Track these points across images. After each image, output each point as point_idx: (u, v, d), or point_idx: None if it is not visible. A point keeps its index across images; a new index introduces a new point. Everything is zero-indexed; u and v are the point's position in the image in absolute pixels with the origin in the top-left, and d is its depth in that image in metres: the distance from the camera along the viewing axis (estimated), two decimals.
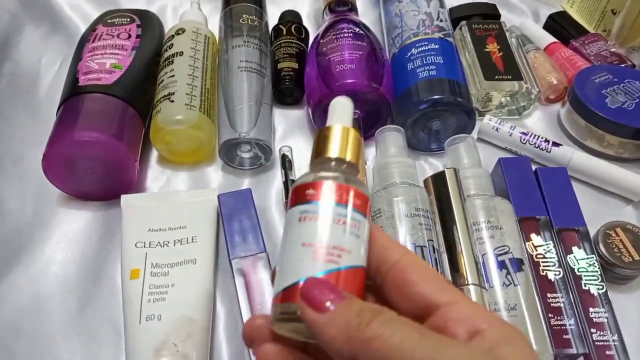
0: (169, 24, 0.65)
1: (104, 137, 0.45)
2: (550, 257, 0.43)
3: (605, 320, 0.40)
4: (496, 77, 0.57)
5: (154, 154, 0.53)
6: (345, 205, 0.24)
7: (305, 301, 0.22)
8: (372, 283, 0.26)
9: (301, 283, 0.23)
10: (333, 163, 0.26)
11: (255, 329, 0.25)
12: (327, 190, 0.25)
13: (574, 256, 0.43)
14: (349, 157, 0.26)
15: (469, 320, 0.22)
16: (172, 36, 0.55)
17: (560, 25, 0.67)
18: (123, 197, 0.46)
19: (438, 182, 0.43)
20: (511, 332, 0.22)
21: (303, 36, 0.61)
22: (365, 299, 0.25)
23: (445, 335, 0.22)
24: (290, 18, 0.63)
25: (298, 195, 0.25)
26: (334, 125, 0.27)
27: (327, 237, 0.24)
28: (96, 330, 0.41)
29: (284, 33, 0.60)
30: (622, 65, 0.60)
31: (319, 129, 0.28)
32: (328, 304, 0.22)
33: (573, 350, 0.39)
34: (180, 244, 0.43)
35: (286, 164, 0.50)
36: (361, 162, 0.47)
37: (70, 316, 0.42)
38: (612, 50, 0.63)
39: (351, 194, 0.25)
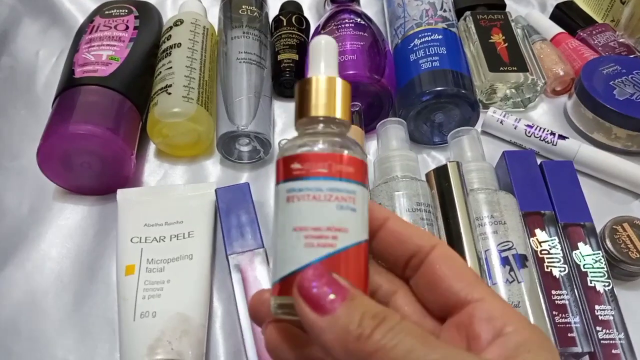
0: (168, 15, 0.65)
1: (100, 130, 0.44)
2: (555, 253, 0.42)
3: (612, 318, 0.39)
4: (501, 68, 0.56)
5: (152, 147, 0.52)
6: (337, 178, 0.22)
7: (302, 298, 0.21)
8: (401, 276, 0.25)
9: (297, 274, 0.21)
10: (321, 125, 0.23)
11: (262, 302, 0.24)
12: (315, 164, 0.22)
13: (580, 252, 0.42)
14: (338, 113, 0.23)
15: (495, 321, 0.21)
16: (170, 27, 0.54)
17: (568, 16, 0.66)
18: (119, 191, 0.46)
19: (440, 176, 0.42)
20: (536, 337, 0.21)
21: (304, 27, 0.60)
22: (378, 294, 0.24)
23: (469, 334, 0.21)
24: (291, 9, 0.62)
25: (285, 169, 0.23)
26: (318, 77, 0.24)
27: (319, 218, 0.22)
28: (91, 326, 0.41)
29: (285, 24, 0.59)
30: (631, 56, 0.59)
31: (300, 82, 0.24)
32: (328, 304, 0.20)
33: (578, 349, 0.38)
34: (177, 239, 0.42)
35: None
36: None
37: (65, 312, 0.41)
38: (621, 40, 0.61)
39: (343, 162, 0.22)
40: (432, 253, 0.23)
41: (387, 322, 0.20)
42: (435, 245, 0.23)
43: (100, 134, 0.44)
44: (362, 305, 0.20)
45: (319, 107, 0.23)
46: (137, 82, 0.50)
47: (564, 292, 0.40)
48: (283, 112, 0.56)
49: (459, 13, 0.63)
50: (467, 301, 0.22)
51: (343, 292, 0.20)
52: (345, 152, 0.23)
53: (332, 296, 0.20)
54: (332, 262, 0.21)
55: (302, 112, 0.24)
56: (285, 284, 0.22)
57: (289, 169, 0.22)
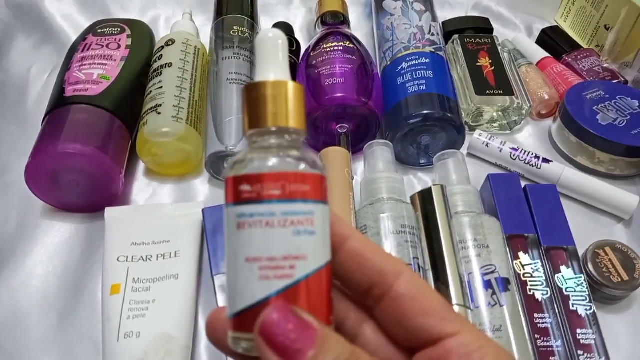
0: (161, 34, 0.65)
1: (89, 149, 0.44)
2: (538, 276, 0.42)
3: (593, 342, 0.40)
4: (487, 91, 0.57)
5: (141, 166, 0.52)
6: (291, 200, 0.20)
7: (265, 343, 0.19)
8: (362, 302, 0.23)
9: (254, 309, 0.20)
10: (273, 138, 0.21)
11: (221, 322, 0.22)
12: (267, 185, 0.20)
13: (562, 275, 0.43)
14: (292, 122, 0.21)
15: (473, 355, 0.21)
16: (162, 47, 0.55)
17: (554, 40, 0.67)
18: (107, 209, 0.46)
19: (425, 198, 0.43)
20: None
21: (294, 48, 0.61)
22: (344, 319, 0.23)
23: None
24: (282, 30, 0.63)
25: (234, 190, 0.21)
26: (267, 82, 0.21)
27: (273, 246, 0.20)
28: (75, 346, 0.41)
29: None
30: (615, 82, 0.60)
31: (246, 87, 0.22)
32: (295, 353, 0.19)
33: None
34: (163, 258, 0.43)
35: None
36: (347, 172, 0.46)
37: (49, 332, 0.41)
38: (605, 65, 0.62)
39: (297, 180, 0.21)
40: (398, 285, 0.22)
41: None
42: (400, 274, 0.22)
43: (88, 153, 0.44)
44: (332, 350, 0.19)
45: (269, 116, 0.21)
46: (128, 101, 0.51)
47: (546, 315, 0.41)
48: None
49: (448, 36, 0.64)
50: (442, 336, 0.21)
51: (311, 334, 0.19)
52: (301, 167, 0.21)
53: (299, 345, 0.19)
54: (290, 295, 0.20)
55: (252, 122, 0.21)
56: (241, 320, 0.20)
57: (238, 191, 0.21)
